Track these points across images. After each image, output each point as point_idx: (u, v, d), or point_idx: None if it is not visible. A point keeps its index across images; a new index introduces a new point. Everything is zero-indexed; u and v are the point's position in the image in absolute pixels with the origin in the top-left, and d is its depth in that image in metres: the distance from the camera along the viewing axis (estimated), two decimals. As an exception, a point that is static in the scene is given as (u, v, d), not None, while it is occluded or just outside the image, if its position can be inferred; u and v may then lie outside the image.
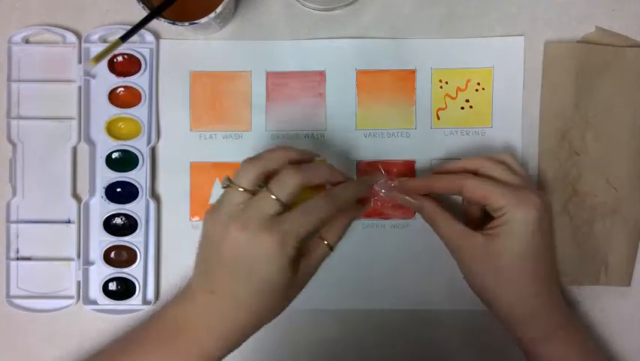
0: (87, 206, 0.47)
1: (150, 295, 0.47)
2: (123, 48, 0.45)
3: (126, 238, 0.47)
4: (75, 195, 0.47)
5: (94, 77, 0.47)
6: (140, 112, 0.47)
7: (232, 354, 0.40)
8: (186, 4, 0.41)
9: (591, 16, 0.47)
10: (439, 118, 0.48)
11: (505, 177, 0.41)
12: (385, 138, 0.48)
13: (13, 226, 0.47)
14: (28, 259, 0.47)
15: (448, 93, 0.48)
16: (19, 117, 0.47)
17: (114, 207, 0.47)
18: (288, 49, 0.48)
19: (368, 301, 0.48)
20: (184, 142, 0.48)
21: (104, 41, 0.48)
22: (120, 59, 0.47)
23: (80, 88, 0.47)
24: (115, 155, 0.47)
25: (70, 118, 0.47)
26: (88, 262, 0.47)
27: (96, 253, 0.47)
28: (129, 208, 0.47)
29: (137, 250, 0.47)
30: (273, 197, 0.38)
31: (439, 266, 0.46)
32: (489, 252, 0.40)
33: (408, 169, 0.48)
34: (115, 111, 0.47)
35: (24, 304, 0.47)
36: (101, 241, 0.47)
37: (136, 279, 0.47)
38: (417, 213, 0.46)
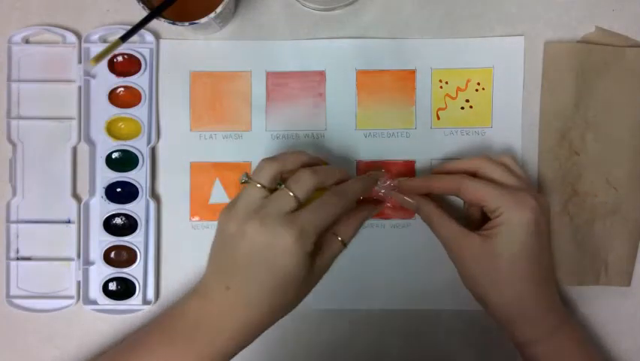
0: (87, 206, 0.47)
1: (150, 295, 0.47)
2: (123, 48, 0.45)
3: (126, 238, 0.47)
4: (75, 195, 0.47)
5: (94, 77, 0.47)
6: (140, 112, 0.47)
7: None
8: (186, 4, 0.41)
9: (591, 16, 0.47)
10: (439, 118, 0.48)
11: (504, 179, 0.41)
12: (385, 138, 0.48)
13: (13, 226, 0.47)
14: (28, 259, 0.47)
15: (448, 93, 0.48)
16: (19, 117, 0.47)
17: (114, 207, 0.47)
18: (288, 49, 0.48)
19: (368, 301, 0.48)
20: (184, 142, 0.48)
21: (104, 41, 0.48)
22: (120, 59, 0.47)
23: (79, 88, 0.47)
24: (115, 155, 0.47)
25: (70, 118, 0.47)
26: (88, 262, 0.47)
27: (96, 253, 0.47)
28: (129, 208, 0.47)
29: (137, 250, 0.47)
30: (291, 194, 0.38)
31: (439, 266, 0.46)
32: (485, 252, 0.40)
33: (408, 169, 0.48)
34: (115, 111, 0.47)
35: (24, 304, 0.47)
36: (101, 241, 0.47)
37: (136, 279, 0.47)
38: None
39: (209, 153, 0.48)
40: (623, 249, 0.47)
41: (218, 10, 0.41)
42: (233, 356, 0.40)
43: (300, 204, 0.39)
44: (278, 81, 0.48)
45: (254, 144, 0.48)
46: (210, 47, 0.48)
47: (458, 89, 0.48)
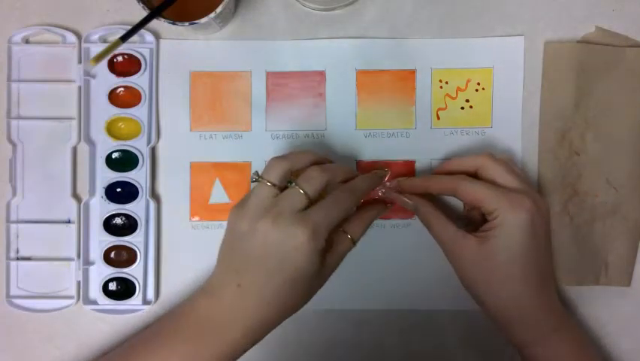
0: (87, 206, 0.47)
1: (150, 295, 0.47)
2: (123, 48, 0.45)
3: (126, 238, 0.47)
4: (75, 195, 0.47)
5: (94, 77, 0.47)
6: (140, 112, 0.47)
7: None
8: (186, 4, 0.41)
9: (591, 16, 0.47)
10: (439, 118, 0.48)
11: (504, 179, 0.41)
12: (385, 138, 0.48)
13: (13, 226, 0.47)
14: (28, 259, 0.47)
15: (448, 93, 0.48)
16: (19, 117, 0.47)
17: (114, 207, 0.47)
18: (288, 49, 0.48)
19: (368, 301, 0.48)
20: (184, 142, 0.48)
21: (104, 41, 0.48)
22: (120, 59, 0.47)
23: (80, 88, 0.47)
24: (115, 155, 0.47)
25: (70, 118, 0.47)
26: (88, 262, 0.47)
27: (96, 253, 0.47)
28: (129, 208, 0.47)
29: (137, 250, 0.47)
30: (302, 192, 0.39)
31: (439, 266, 0.46)
32: (481, 254, 0.40)
33: (408, 169, 0.48)
34: (115, 111, 0.47)
35: (24, 304, 0.47)
36: (101, 241, 0.47)
37: (136, 279, 0.47)
38: (417, 213, 0.46)
39: (209, 153, 0.48)
40: (623, 249, 0.47)
41: (218, 10, 0.41)
42: (243, 353, 0.40)
43: (311, 202, 0.39)
44: (278, 81, 0.48)
45: (254, 144, 0.48)
46: (210, 46, 0.48)
47: (458, 89, 0.48)
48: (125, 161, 0.47)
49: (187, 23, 0.41)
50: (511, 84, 0.47)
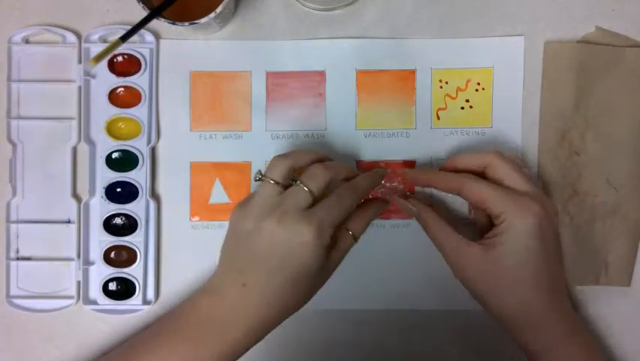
0: (87, 206, 0.47)
1: (150, 295, 0.47)
2: (123, 48, 0.45)
3: (126, 238, 0.47)
4: (75, 195, 0.47)
5: (94, 77, 0.47)
6: (140, 112, 0.47)
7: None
8: (186, 4, 0.41)
9: (591, 16, 0.47)
10: (439, 118, 0.48)
11: (511, 180, 0.41)
12: (385, 138, 0.48)
13: (13, 226, 0.47)
14: (28, 259, 0.47)
15: (448, 93, 0.48)
16: (19, 117, 0.47)
17: (114, 207, 0.47)
18: (288, 49, 0.48)
19: (368, 301, 0.48)
20: (184, 142, 0.48)
21: (104, 41, 0.48)
22: (120, 59, 0.47)
23: (80, 88, 0.47)
24: (115, 155, 0.47)
25: (70, 118, 0.47)
26: (88, 262, 0.47)
27: (96, 253, 0.47)
28: (129, 208, 0.47)
29: (137, 250, 0.47)
30: (306, 189, 0.39)
31: (439, 266, 0.46)
32: (488, 261, 0.40)
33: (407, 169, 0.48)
34: (115, 111, 0.47)
35: (24, 304, 0.47)
36: (101, 241, 0.47)
37: (136, 279, 0.47)
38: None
39: (209, 153, 0.48)
40: (623, 249, 0.47)
41: (218, 10, 0.41)
42: (245, 352, 0.40)
43: (315, 199, 0.40)
44: (278, 81, 0.48)
45: (254, 144, 0.48)
46: (210, 46, 0.48)
47: (458, 89, 0.48)
48: (125, 161, 0.47)
49: (187, 23, 0.41)
50: (511, 84, 0.47)
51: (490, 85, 0.47)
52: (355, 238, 0.43)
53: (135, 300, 0.47)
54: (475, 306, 0.42)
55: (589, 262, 0.47)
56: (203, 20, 0.41)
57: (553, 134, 0.47)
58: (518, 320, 0.40)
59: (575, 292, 0.48)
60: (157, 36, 0.47)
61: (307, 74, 0.48)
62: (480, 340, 0.48)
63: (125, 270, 0.47)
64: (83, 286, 0.47)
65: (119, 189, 0.47)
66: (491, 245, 0.40)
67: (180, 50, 0.48)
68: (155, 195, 0.48)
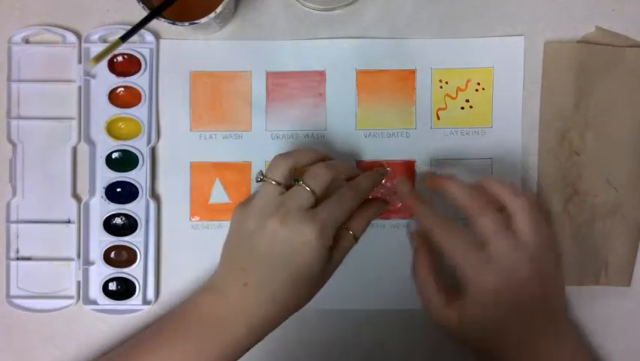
0: (87, 206, 0.47)
1: (150, 295, 0.47)
2: (123, 48, 0.45)
3: (126, 238, 0.47)
4: (75, 195, 0.47)
5: (94, 77, 0.47)
6: (140, 112, 0.47)
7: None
8: (186, 4, 0.41)
9: (591, 16, 0.47)
10: (439, 118, 0.48)
11: (519, 230, 0.39)
12: (385, 138, 0.48)
13: (13, 226, 0.47)
14: (28, 259, 0.47)
15: (448, 93, 0.48)
16: (19, 117, 0.47)
17: (114, 207, 0.47)
18: (288, 49, 0.48)
19: (368, 301, 0.48)
20: (184, 142, 0.48)
21: (104, 41, 0.48)
22: (120, 59, 0.47)
23: (80, 88, 0.47)
24: (115, 155, 0.47)
25: (70, 118, 0.47)
26: (88, 262, 0.47)
27: (96, 253, 0.47)
28: (129, 208, 0.47)
29: (137, 250, 0.47)
30: (308, 189, 0.39)
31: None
32: (459, 330, 0.40)
33: (408, 169, 0.48)
34: (115, 111, 0.47)
35: (24, 304, 0.47)
36: (101, 241, 0.47)
37: (136, 279, 0.47)
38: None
39: (209, 153, 0.48)
40: (623, 249, 0.47)
41: (218, 10, 0.41)
42: (246, 352, 0.40)
43: (317, 199, 0.40)
44: (278, 81, 0.48)
45: (254, 144, 0.48)
46: (210, 46, 0.48)
47: (458, 89, 0.48)
48: (125, 161, 0.47)
49: (187, 23, 0.41)
50: (511, 84, 0.47)
51: (490, 85, 0.47)
52: (356, 238, 0.43)
53: (135, 300, 0.47)
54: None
55: (589, 262, 0.47)
56: (203, 20, 0.41)
57: (554, 134, 0.47)
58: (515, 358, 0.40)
59: (575, 292, 0.47)
60: (157, 36, 0.47)
61: (307, 74, 0.48)
62: (480, 340, 0.47)
63: (125, 270, 0.47)
64: (83, 286, 0.47)
65: (119, 189, 0.47)
66: (461, 307, 0.40)
67: (180, 50, 0.48)
68: (155, 195, 0.48)
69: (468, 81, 0.48)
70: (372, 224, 0.47)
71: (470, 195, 0.40)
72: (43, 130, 0.47)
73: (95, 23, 0.47)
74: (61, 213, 0.47)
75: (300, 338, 0.47)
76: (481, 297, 0.39)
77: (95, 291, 0.47)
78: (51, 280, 0.47)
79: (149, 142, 0.47)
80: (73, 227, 0.47)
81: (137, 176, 0.47)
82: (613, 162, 0.47)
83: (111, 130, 0.47)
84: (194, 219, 0.48)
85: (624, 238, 0.47)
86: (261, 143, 0.48)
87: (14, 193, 0.47)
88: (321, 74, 0.48)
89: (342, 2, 0.46)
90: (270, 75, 0.48)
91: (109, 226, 0.47)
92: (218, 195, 0.48)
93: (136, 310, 0.47)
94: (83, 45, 0.47)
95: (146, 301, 0.47)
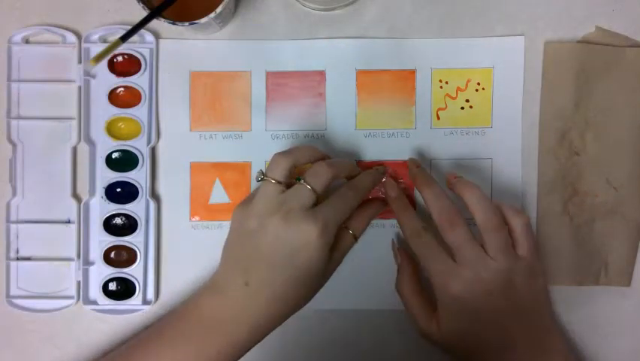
0: (87, 206, 0.47)
1: (150, 295, 0.47)
2: (123, 48, 0.45)
3: (126, 238, 0.47)
4: (75, 195, 0.47)
5: (94, 77, 0.47)
6: (140, 112, 0.47)
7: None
8: (186, 4, 0.41)
9: (591, 16, 0.47)
10: (439, 118, 0.48)
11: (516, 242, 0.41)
12: (385, 138, 0.48)
13: (13, 226, 0.47)
14: (28, 259, 0.47)
15: (448, 93, 0.48)
16: (19, 117, 0.47)
17: (114, 207, 0.47)
18: (288, 49, 0.48)
19: (368, 301, 0.48)
20: (184, 142, 0.48)
21: (104, 41, 0.48)
22: (120, 59, 0.47)
23: (80, 88, 0.47)
24: (115, 155, 0.47)
25: (70, 118, 0.47)
26: (88, 262, 0.47)
27: (96, 253, 0.47)
28: (129, 208, 0.47)
29: (137, 250, 0.47)
30: (309, 187, 0.39)
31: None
32: (443, 343, 0.41)
33: (407, 169, 0.47)
34: (115, 111, 0.47)
35: (24, 304, 0.47)
36: (101, 241, 0.47)
37: (136, 279, 0.47)
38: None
39: (209, 153, 0.48)
40: (623, 249, 0.47)
41: (218, 10, 0.41)
42: (247, 352, 0.40)
43: (318, 198, 0.40)
44: (278, 81, 0.48)
45: (254, 144, 0.48)
46: (210, 46, 0.48)
47: (458, 89, 0.48)
48: (125, 161, 0.47)
49: (187, 23, 0.41)
50: (511, 84, 0.47)
51: (490, 85, 0.47)
52: (356, 238, 0.43)
53: (135, 300, 0.47)
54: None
55: (589, 262, 0.47)
56: (203, 20, 0.41)
57: (554, 134, 0.47)
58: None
59: (574, 292, 0.47)
60: (157, 36, 0.47)
61: (307, 74, 0.48)
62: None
63: (125, 270, 0.47)
64: (83, 286, 0.47)
65: (119, 189, 0.47)
66: (437, 319, 0.41)
67: (180, 50, 0.48)
68: (155, 195, 0.48)
69: (468, 81, 0.48)
70: (372, 224, 0.47)
71: (441, 208, 0.41)
72: (43, 130, 0.47)
73: (95, 23, 0.47)
74: (61, 213, 0.47)
75: (299, 337, 0.47)
76: (447, 305, 0.40)
77: (95, 291, 0.47)
78: (51, 280, 0.47)
79: (149, 142, 0.47)
80: (73, 227, 0.47)
81: (137, 176, 0.47)
82: (613, 162, 0.47)
83: (111, 130, 0.47)
84: (194, 219, 0.48)
85: (624, 238, 0.47)
86: (260, 143, 0.48)
87: (14, 193, 0.47)
88: (321, 74, 0.48)
89: (342, 2, 0.46)
90: (269, 75, 0.48)
91: (109, 225, 0.47)
92: (218, 195, 0.48)
93: (136, 310, 0.47)
94: (83, 45, 0.47)
95: (146, 301, 0.47)
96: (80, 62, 0.47)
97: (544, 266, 0.46)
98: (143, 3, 0.41)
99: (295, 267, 0.39)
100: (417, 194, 0.47)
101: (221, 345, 0.39)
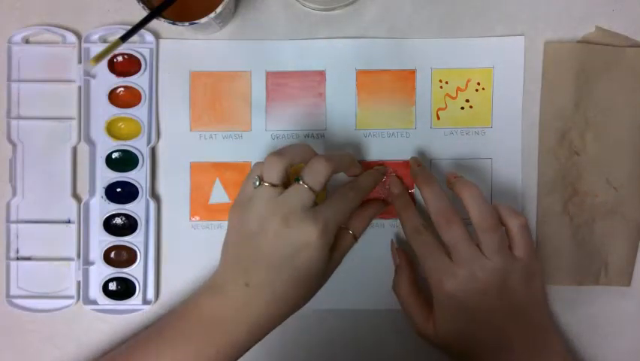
0: (87, 206, 0.47)
1: (150, 295, 0.47)
2: (123, 48, 0.45)
3: (126, 238, 0.47)
4: (75, 195, 0.47)
5: (94, 77, 0.47)
6: (140, 112, 0.47)
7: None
8: (186, 4, 0.41)
9: (591, 16, 0.47)
10: (439, 118, 0.48)
11: (512, 242, 0.41)
12: (385, 138, 0.48)
13: (13, 226, 0.47)
14: (28, 259, 0.47)
15: (448, 93, 0.48)
16: (19, 117, 0.47)
17: (114, 207, 0.47)
18: (288, 49, 0.48)
19: (368, 301, 0.48)
20: (184, 142, 0.48)
21: (104, 41, 0.48)
22: (120, 59, 0.47)
23: (80, 88, 0.47)
24: (115, 155, 0.47)
25: (70, 118, 0.47)
26: (88, 262, 0.47)
27: (96, 253, 0.47)
28: (129, 208, 0.47)
29: (137, 250, 0.47)
30: (307, 187, 0.39)
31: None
32: (437, 335, 0.42)
33: (408, 169, 0.48)
34: (115, 111, 0.47)
35: (24, 304, 0.47)
36: (101, 241, 0.47)
37: (136, 279, 0.47)
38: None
39: (209, 153, 0.48)
40: (623, 249, 0.47)
41: (218, 10, 0.41)
42: (246, 351, 0.40)
43: (318, 195, 0.40)
44: (278, 81, 0.48)
45: (254, 144, 0.48)
46: (210, 46, 0.48)
47: (458, 89, 0.48)
48: (125, 161, 0.47)
49: (187, 23, 0.41)
50: (511, 84, 0.47)
51: (490, 85, 0.47)
52: (356, 238, 0.43)
53: (135, 300, 0.47)
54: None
55: (589, 262, 0.47)
56: (203, 20, 0.41)
57: (554, 134, 0.47)
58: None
59: (575, 292, 0.47)
60: (157, 36, 0.47)
61: (307, 74, 0.48)
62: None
63: (125, 270, 0.47)
64: (83, 286, 0.47)
65: (119, 189, 0.47)
66: (433, 318, 0.42)
67: (180, 50, 0.48)
68: (155, 195, 0.48)
69: (468, 81, 0.48)
70: (372, 224, 0.47)
71: (439, 207, 0.41)
72: (43, 130, 0.47)
73: (95, 23, 0.47)
74: (61, 213, 0.47)
75: (298, 337, 0.47)
76: (442, 303, 0.40)
77: (95, 291, 0.47)
78: (51, 280, 0.47)
79: (149, 142, 0.47)
80: (73, 227, 0.47)
81: (137, 176, 0.47)
82: (613, 162, 0.47)
83: (111, 130, 0.47)
84: (194, 219, 0.48)
85: (624, 238, 0.47)
86: (260, 143, 0.48)
87: (14, 193, 0.47)
88: (321, 74, 0.48)
89: (342, 2, 0.46)
90: (269, 75, 0.48)
91: (109, 225, 0.47)
92: (218, 195, 0.48)
93: (136, 310, 0.47)
94: (83, 45, 0.47)
95: (146, 301, 0.47)
96: (80, 62, 0.47)
97: (544, 266, 0.47)
98: (143, 3, 0.41)
99: (295, 267, 0.39)
100: (417, 193, 0.47)
101: (221, 345, 0.39)
